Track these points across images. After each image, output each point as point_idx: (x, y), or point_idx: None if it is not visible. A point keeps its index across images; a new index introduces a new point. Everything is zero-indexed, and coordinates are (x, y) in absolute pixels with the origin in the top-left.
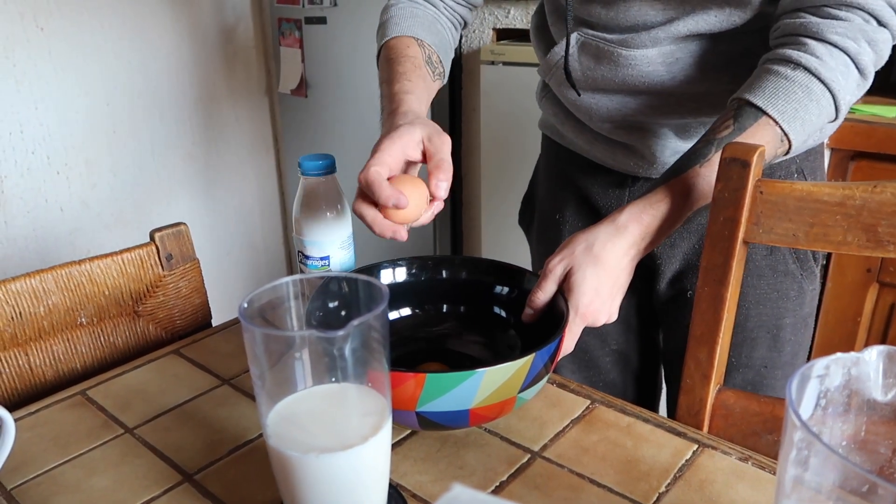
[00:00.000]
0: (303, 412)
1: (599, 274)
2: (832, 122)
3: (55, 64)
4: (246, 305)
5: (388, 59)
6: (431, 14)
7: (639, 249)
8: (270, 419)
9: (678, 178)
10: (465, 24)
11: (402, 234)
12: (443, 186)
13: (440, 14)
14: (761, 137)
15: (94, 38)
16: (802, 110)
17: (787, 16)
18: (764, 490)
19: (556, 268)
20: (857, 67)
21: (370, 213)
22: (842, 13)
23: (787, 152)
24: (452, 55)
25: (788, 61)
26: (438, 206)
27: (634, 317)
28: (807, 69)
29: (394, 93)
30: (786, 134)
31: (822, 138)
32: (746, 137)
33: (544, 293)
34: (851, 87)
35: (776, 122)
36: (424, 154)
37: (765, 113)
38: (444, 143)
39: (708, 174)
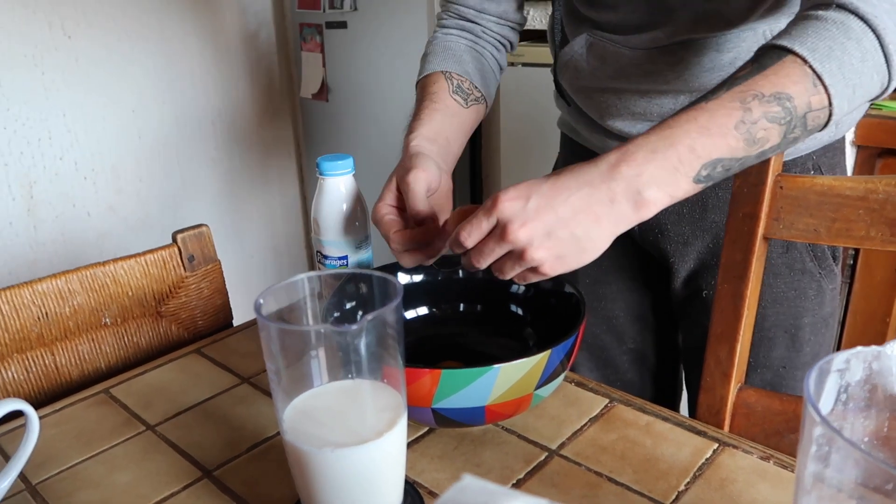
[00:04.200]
0: (318, 408)
1: (545, 182)
2: (884, 83)
3: (82, 72)
4: (262, 301)
5: (416, 101)
6: (465, 43)
7: (614, 189)
8: (287, 415)
9: (677, 113)
10: (512, 45)
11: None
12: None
13: (479, 39)
14: (787, 76)
15: (120, 46)
16: (839, 49)
17: None
18: (786, 489)
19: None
20: None
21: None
22: None
23: (830, 115)
24: (497, 77)
25: (819, 5)
26: None
27: (650, 314)
28: (841, 6)
29: (404, 140)
30: (819, 76)
31: (843, 127)
32: (768, 77)
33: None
34: None
35: (804, 60)
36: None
37: (790, 51)
38: (412, 181)
39: (714, 108)
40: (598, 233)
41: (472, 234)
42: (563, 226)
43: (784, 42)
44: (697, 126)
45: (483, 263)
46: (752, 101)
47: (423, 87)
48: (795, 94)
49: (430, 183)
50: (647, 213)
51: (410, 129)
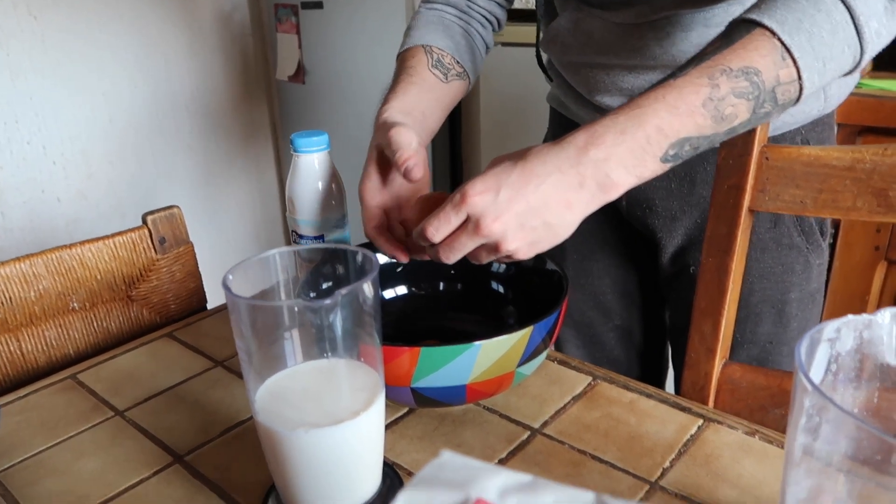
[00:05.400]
0: (292, 388)
1: (513, 171)
2: (856, 58)
3: (49, 54)
4: (231, 277)
5: (393, 75)
6: (450, 18)
7: (583, 173)
8: (259, 396)
9: (646, 91)
10: (500, 22)
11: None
12: (411, 167)
13: (465, 15)
14: (755, 49)
15: (88, 27)
16: (808, 21)
17: None
18: (772, 464)
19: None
20: None
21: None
22: None
23: (801, 90)
24: (481, 53)
25: None
26: None
27: (637, 291)
28: None
29: (377, 114)
30: (788, 49)
31: (832, 101)
32: (736, 51)
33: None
34: (877, 8)
35: (773, 33)
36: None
37: (759, 24)
38: (395, 135)
39: (682, 85)
40: (571, 217)
41: (440, 230)
42: (535, 215)
43: (753, 15)
44: (665, 105)
45: (454, 258)
46: (719, 76)
47: (401, 61)
48: (763, 68)
49: (413, 141)
50: (615, 194)
51: (384, 102)
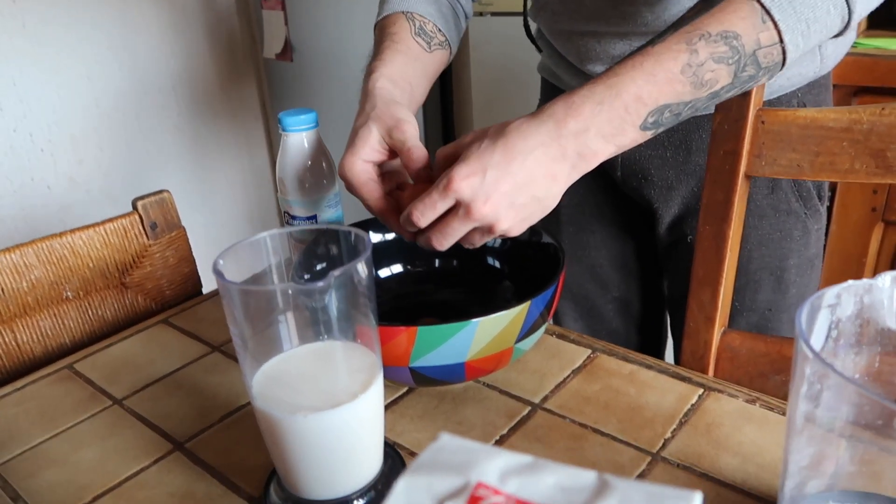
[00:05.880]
0: (289, 372)
1: (496, 150)
2: (844, 18)
3: (30, 38)
4: (222, 262)
5: (374, 43)
6: None
7: (564, 146)
8: (256, 380)
9: (624, 59)
10: None
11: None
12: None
13: None
14: (734, 12)
15: (70, 8)
16: None
17: None
18: (773, 431)
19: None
20: None
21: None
22: None
23: (784, 53)
24: (461, 22)
25: None
26: None
27: (634, 262)
28: None
29: (364, 78)
30: (767, 11)
31: (828, 62)
32: (715, 15)
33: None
34: None
35: None
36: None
37: None
38: (407, 131)
39: (660, 52)
40: (556, 188)
41: (425, 214)
42: (523, 191)
43: None
44: (643, 72)
45: (447, 244)
46: (698, 41)
47: (382, 28)
48: (743, 32)
49: (376, 160)
50: (595, 162)
51: (371, 70)
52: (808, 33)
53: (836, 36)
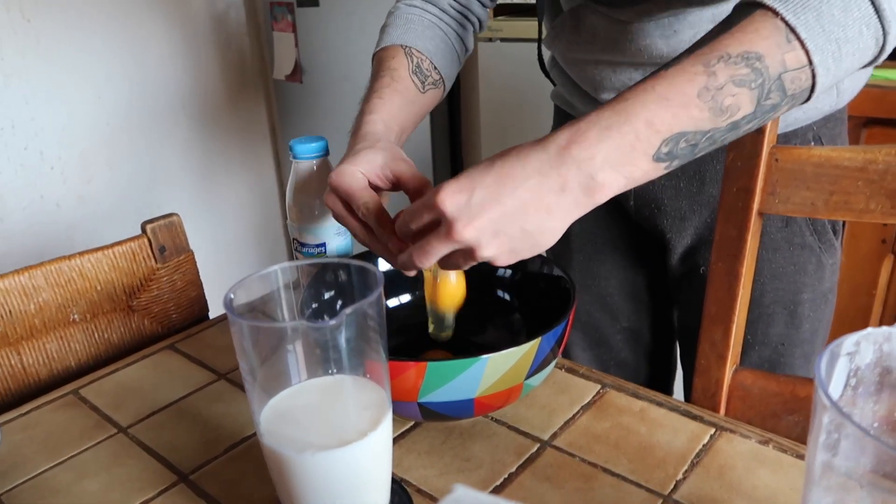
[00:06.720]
0: (297, 408)
1: (490, 172)
2: (879, 40)
3: (44, 57)
4: (232, 296)
5: (372, 73)
6: (429, 19)
7: (565, 175)
8: (263, 416)
9: (636, 83)
10: (481, 23)
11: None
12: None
13: (444, 15)
14: (755, 31)
15: (82, 29)
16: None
17: None
18: (786, 474)
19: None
20: None
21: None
22: None
23: (814, 77)
24: (460, 59)
25: None
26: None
27: (645, 292)
28: None
29: (361, 112)
30: (792, 29)
31: (845, 95)
32: (734, 35)
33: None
34: None
35: (775, 13)
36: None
37: (760, 4)
38: (409, 165)
39: (675, 75)
40: (551, 224)
41: (408, 221)
42: (511, 221)
43: None
44: (656, 96)
45: (427, 262)
46: (717, 63)
47: (380, 61)
48: (766, 52)
49: (372, 180)
50: (602, 197)
51: (371, 108)
52: (840, 56)
53: (869, 64)
